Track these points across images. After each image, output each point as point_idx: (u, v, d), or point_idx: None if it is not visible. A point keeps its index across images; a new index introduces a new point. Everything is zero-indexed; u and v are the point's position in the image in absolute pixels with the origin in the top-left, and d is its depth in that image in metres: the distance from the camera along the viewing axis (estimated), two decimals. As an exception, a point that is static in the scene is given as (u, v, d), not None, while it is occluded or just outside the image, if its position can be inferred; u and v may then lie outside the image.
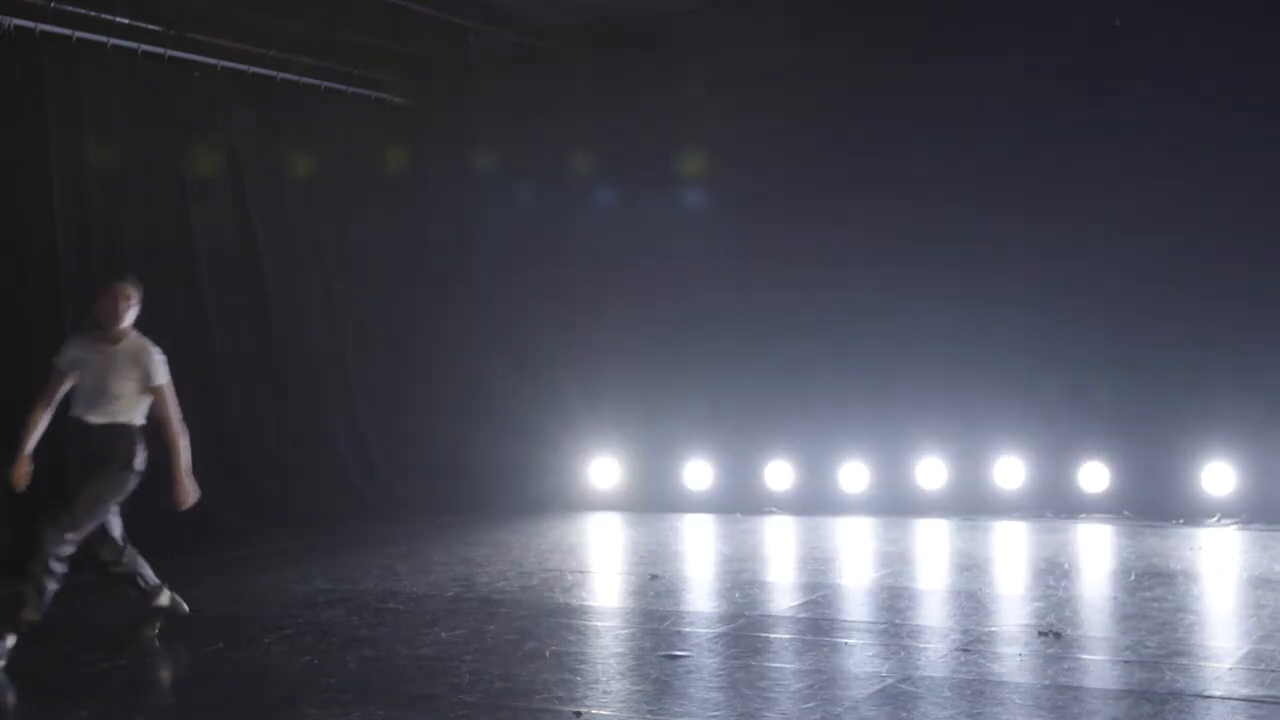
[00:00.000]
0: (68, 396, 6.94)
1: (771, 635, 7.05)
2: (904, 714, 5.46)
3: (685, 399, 11.77)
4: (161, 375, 7.03)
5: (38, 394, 6.99)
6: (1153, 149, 10.27)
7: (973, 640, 6.72)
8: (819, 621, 7.29)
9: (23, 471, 6.91)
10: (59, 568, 6.74)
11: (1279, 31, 10.06)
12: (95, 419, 6.88)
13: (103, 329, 6.99)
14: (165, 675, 6.33)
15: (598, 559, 10.08)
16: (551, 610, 7.70)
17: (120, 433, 6.91)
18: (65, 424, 7.06)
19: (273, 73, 11.42)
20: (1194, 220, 10.24)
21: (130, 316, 7.09)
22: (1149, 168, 10.30)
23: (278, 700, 5.91)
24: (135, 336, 7.11)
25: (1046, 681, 5.90)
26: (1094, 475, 10.84)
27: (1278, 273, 10.19)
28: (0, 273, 9.70)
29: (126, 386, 6.93)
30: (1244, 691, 5.65)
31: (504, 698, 5.80)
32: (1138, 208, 10.36)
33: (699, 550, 10.24)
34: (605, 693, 5.90)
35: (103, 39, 10.12)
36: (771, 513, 11.49)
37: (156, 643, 7.10)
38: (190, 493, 7.23)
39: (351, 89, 12.16)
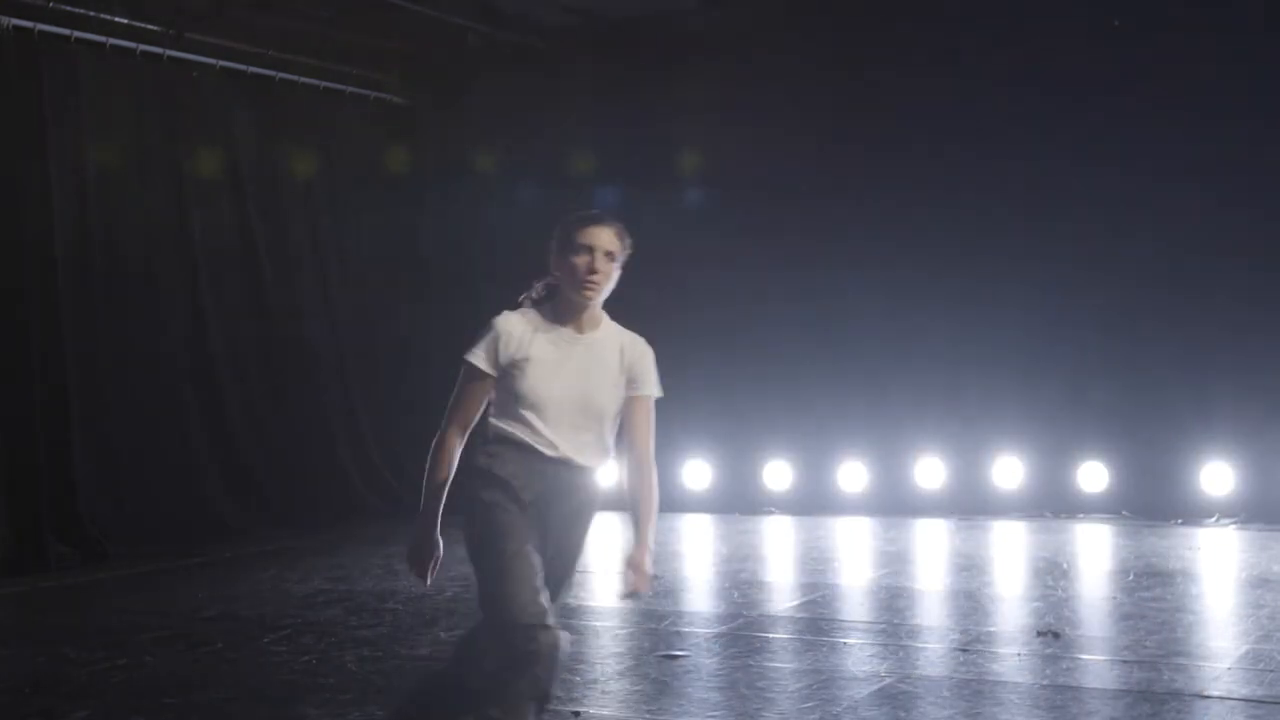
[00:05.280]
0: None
1: (770, 635, 7.05)
2: (902, 714, 5.46)
3: (684, 399, 11.73)
4: None
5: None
6: (1152, 149, 10.27)
7: (971, 640, 6.72)
8: (818, 621, 7.30)
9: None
10: None
11: (1278, 33, 10.06)
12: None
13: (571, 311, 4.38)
14: (165, 675, 6.32)
15: (597, 559, 10.07)
16: (550, 610, 7.69)
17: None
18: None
19: (272, 73, 11.42)
20: (1194, 220, 10.24)
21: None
22: (1148, 168, 10.30)
23: (277, 700, 5.91)
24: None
25: (1045, 681, 5.90)
26: (1093, 475, 10.85)
27: (1277, 273, 10.19)
28: (-1, 273, 9.73)
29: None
30: (1242, 691, 5.65)
31: (503, 698, 5.79)
32: (1137, 207, 10.37)
33: (698, 550, 10.25)
34: (604, 692, 5.90)
35: (102, 39, 10.12)
36: (770, 512, 11.49)
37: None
38: None
39: (351, 89, 12.16)
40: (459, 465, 4.42)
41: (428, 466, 4.45)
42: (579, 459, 4.34)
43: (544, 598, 4.14)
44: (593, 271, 4.27)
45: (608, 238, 4.33)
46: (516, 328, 4.32)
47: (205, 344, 10.88)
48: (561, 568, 4.43)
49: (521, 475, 4.26)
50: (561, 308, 4.36)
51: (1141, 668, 6.06)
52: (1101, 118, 10.43)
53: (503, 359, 4.27)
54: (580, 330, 4.35)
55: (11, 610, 8.30)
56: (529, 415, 4.26)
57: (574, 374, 4.29)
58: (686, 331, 11.68)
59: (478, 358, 4.29)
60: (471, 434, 4.42)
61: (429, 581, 4.44)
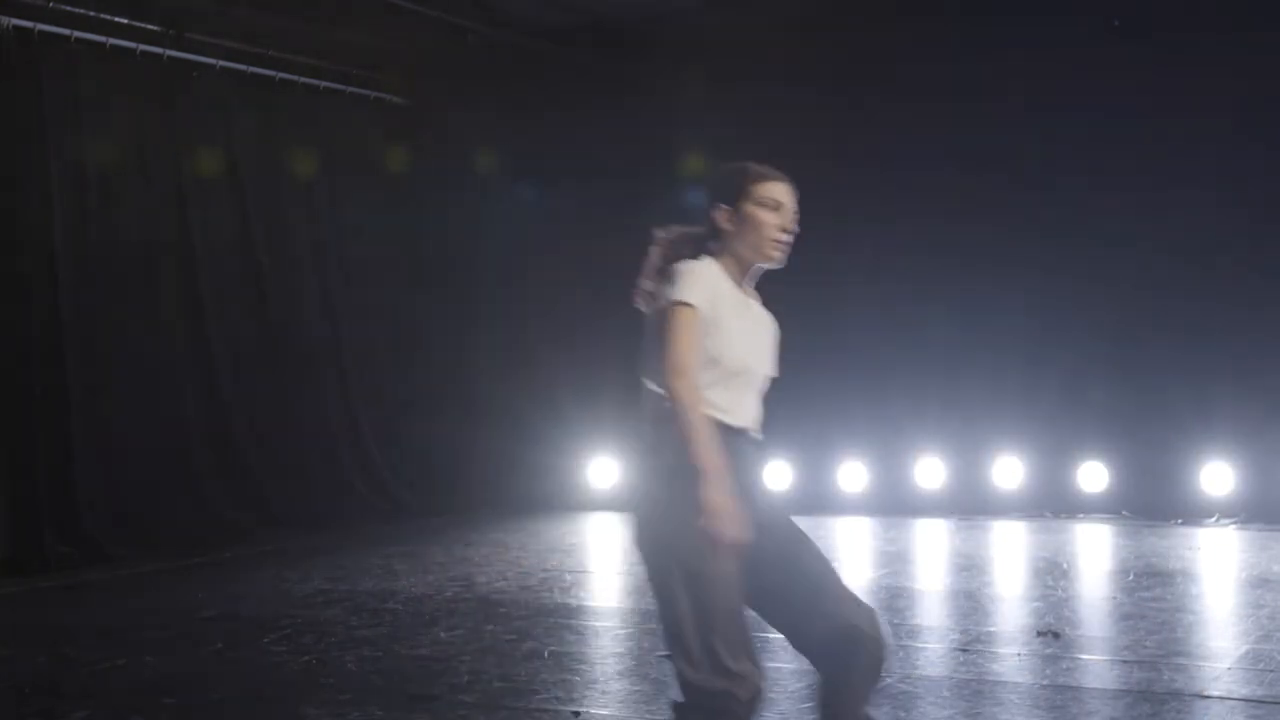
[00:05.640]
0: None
1: (770, 635, 7.03)
2: (903, 714, 5.46)
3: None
4: None
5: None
6: (1152, 149, 10.28)
7: (971, 640, 6.72)
8: (818, 621, 7.28)
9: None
10: None
11: (1276, 33, 10.06)
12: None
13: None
14: (165, 675, 6.33)
15: (596, 559, 10.08)
16: (550, 610, 7.71)
17: None
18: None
19: (272, 73, 11.42)
20: (1193, 220, 10.25)
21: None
22: (1148, 167, 10.31)
23: (277, 700, 5.91)
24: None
25: (1045, 681, 5.90)
26: (1093, 475, 10.85)
27: (1277, 273, 10.20)
28: (-1, 273, 9.73)
29: None
30: (1242, 691, 5.66)
31: (502, 697, 5.80)
32: (1137, 208, 10.37)
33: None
34: (604, 693, 5.90)
35: (102, 39, 10.12)
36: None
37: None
38: None
39: (351, 89, 12.17)
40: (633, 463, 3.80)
41: (685, 422, 3.53)
42: (760, 436, 3.82)
43: (756, 652, 3.65)
44: (786, 231, 3.86)
45: (792, 198, 3.92)
46: (715, 276, 3.73)
47: (205, 344, 10.88)
48: (810, 557, 3.79)
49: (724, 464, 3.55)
50: (728, 265, 3.83)
51: (1141, 668, 6.06)
52: (1102, 119, 10.44)
53: (708, 309, 3.65)
54: (745, 294, 3.86)
55: (11, 610, 8.30)
56: (723, 384, 3.69)
57: (755, 340, 3.81)
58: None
59: (695, 295, 3.62)
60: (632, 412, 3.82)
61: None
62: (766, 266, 3.87)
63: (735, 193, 3.86)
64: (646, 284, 3.81)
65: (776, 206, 3.87)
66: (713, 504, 3.48)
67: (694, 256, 3.79)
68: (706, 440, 3.54)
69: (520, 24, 11.86)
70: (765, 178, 3.91)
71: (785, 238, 3.85)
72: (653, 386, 3.68)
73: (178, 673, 6.38)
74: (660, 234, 3.90)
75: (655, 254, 3.85)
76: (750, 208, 3.83)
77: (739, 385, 3.74)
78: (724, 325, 3.69)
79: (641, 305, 3.84)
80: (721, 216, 3.85)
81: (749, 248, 3.83)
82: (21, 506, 9.48)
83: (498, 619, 7.43)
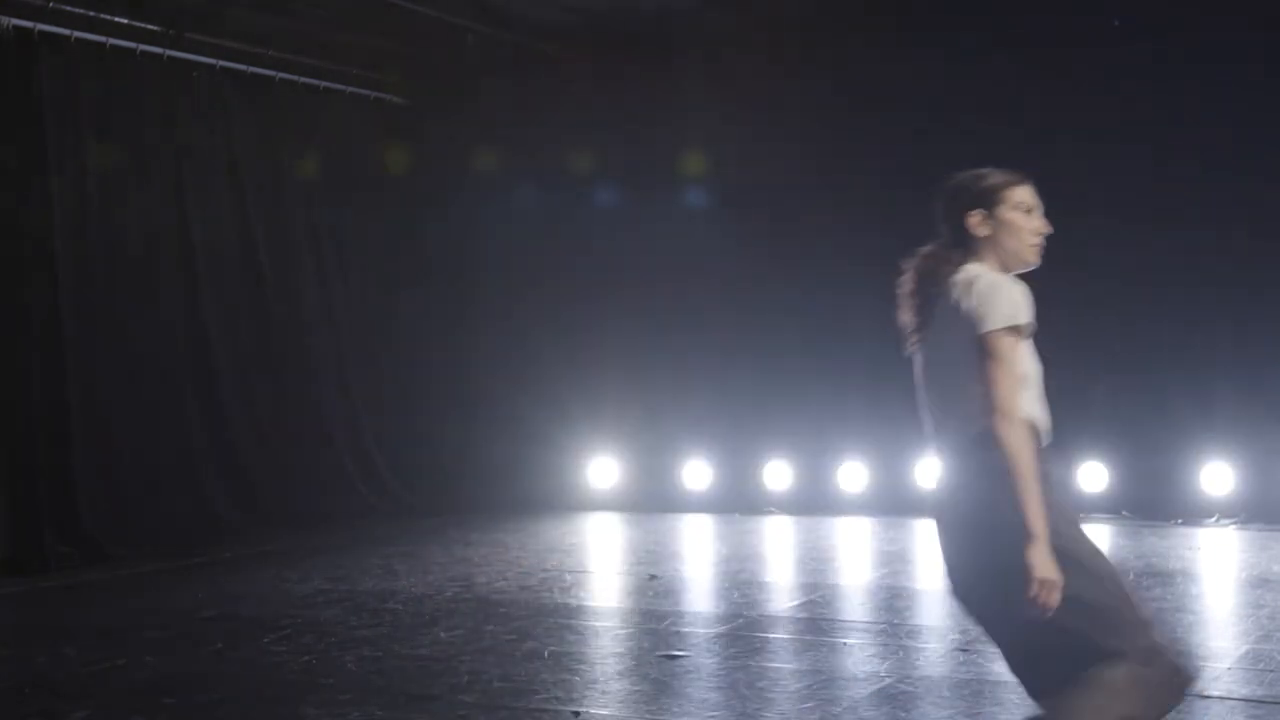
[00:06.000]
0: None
1: (770, 635, 7.05)
2: (902, 714, 5.46)
3: (684, 399, 11.77)
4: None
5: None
6: (1152, 148, 10.27)
7: (971, 640, 6.71)
8: (817, 621, 7.30)
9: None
10: None
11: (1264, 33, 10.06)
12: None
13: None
14: (165, 675, 6.33)
15: (596, 559, 10.08)
16: (550, 610, 7.71)
17: None
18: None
19: (272, 73, 11.43)
20: (1192, 219, 10.23)
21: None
22: (1147, 167, 10.30)
23: (277, 700, 5.91)
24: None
25: (1045, 681, 5.89)
26: (1092, 475, 10.84)
27: (1277, 272, 10.19)
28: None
29: None
30: (1243, 691, 5.65)
31: (502, 697, 5.80)
32: (1136, 206, 10.36)
33: (697, 550, 10.24)
34: (604, 693, 5.91)
35: (101, 39, 10.12)
36: (770, 512, 11.49)
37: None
38: None
39: (351, 89, 12.17)
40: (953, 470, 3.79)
41: (1019, 476, 3.50)
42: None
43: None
44: (1041, 234, 3.83)
45: (1038, 201, 3.88)
46: (1011, 282, 3.63)
47: (205, 343, 10.88)
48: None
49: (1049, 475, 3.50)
50: (993, 269, 3.79)
51: (1141, 668, 6.05)
52: (1101, 117, 10.43)
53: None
54: None
55: (11, 610, 8.31)
56: (1033, 397, 3.68)
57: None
58: (686, 331, 11.70)
59: (1024, 313, 3.59)
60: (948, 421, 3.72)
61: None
62: (1024, 270, 3.81)
63: (991, 198, 3.84)
64: (909, 316, 3.79)
65: (1030, 209, 3.86)
66: (1040, 570, 3.45)
67: (946, 270, 3.75)
68: (1038, 499, 3.48)
69: (520, 24, 11.86)
70: (1018, 182, 3.88)
71: (1041, 240, 3.83)
72: (957, 418, 3.64)
73: (178, 673, 6.38)
74: (910, 263, 3.89)
75: (911, 280, 3.82)
76: (1007, 212, 3.81)
77: (1038, 394, 3.75)
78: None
79: (912, 343, 3.79)
80: (975, 221, 3.82)
81: (1008, 253, 3.81)
82: (21, 506, 9.49)
83: (498, 619, 7.44)
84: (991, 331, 3.50)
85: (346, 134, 12.18)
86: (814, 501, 11.46)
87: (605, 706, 5.66)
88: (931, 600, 8.03)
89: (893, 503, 11.25)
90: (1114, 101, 10.39)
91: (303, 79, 11.70)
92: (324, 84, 11.88)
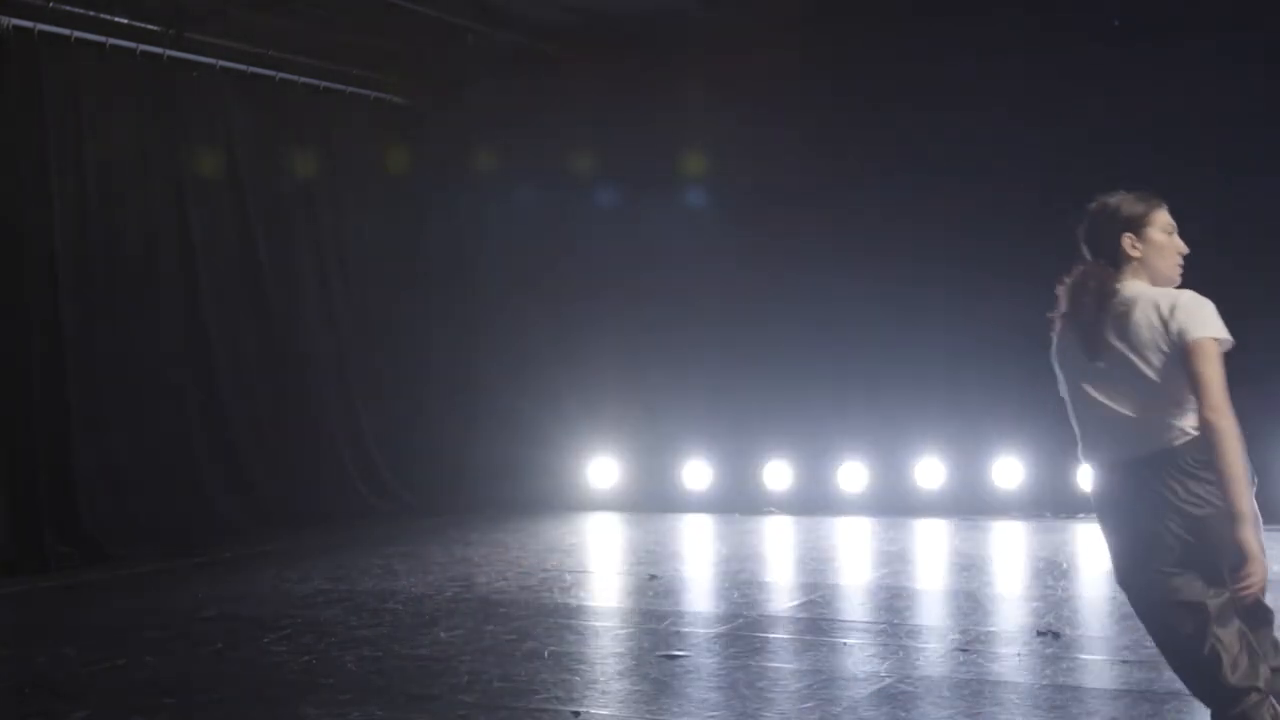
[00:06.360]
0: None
1: (770, 635, 7.05)
2: (902, 714, 5.46)
3: (684, 399, 11.78)
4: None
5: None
6: (1151, 148, 10.27)
7: (971, 640, 6.72)
8: (817, 621, 7.30)
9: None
10: None
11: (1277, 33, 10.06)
12: None
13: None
14: (165, 675, 6.33)
15: (596, 559, 10.08)
16: (550, 610, 7.71)
17: None
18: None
19: (272, 73, 11.43)
20: (1192, 218, 10.22)
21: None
22: (1147, 166, 10.27)
23: (277, 700, 5.91)
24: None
25: (1045, 681, 5.90)
26: (1092, 475, 10.84)
27: (1275, 272, 10.19)
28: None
29: None
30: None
31: (502, 697, 5.80)
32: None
33: (697, 550, 10.25)
34: (604, 693, 5.91)
35: (102, 39, 10.12)
36: (770, 512, 11.49)
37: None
38: None
39: (351, 89, 12.17)
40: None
41: (1230, 463, 4.10)
42: None
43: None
44: (1182, 252, 4.23)
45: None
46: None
47: (205, 344, 10.88)
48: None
49: None
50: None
51: (1141, 667, 6.06)
52: (1101, 118, 10.43)
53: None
54: None
55: (11, 610, 8.31)
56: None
57: None
58: (686, 332, 11.71)
59: (1223, 328, 4.10)
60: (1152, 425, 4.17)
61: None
62: (1173, 284, 4.21)
63: (1140, 222, 4.22)
64: (1076, 334, 4.31)
65: (1172, 231, 4.25)
66: (1252, 549, 3.83)
67: (1114, 287, 4.19)
68: (1247, 483, 4.02)
69: (520, 24, 11.86)
70: (1162, 205, 4.28)
71: (1181, 260, 4.22)
72: (1151, 417, 4.14)
73: (178, 673, 6.38)
74: (1074, 276, 4.33)
75: (1083, 293, 4.26)
76: (1155, 234, 4.21)
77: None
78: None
79: (1089, 349, 4.28)
80: (1128, 242, 4.19)
81: (1156, 271, 4.19)
82: (21, 506, 9.49)
83: (498, 619, 7.44)
84: (1204, 338, 4.02)
85: (346, 134, 12.19)
86: (814, 501, 11.47)
87: (605, 706, 5.66)
88: (931, 600, 8.04)
89: (893, 503, 11.26)
90: (1113, 103, 10.39)
91: (303, 79, 11.70)
92: (324, 84, 11.88)
